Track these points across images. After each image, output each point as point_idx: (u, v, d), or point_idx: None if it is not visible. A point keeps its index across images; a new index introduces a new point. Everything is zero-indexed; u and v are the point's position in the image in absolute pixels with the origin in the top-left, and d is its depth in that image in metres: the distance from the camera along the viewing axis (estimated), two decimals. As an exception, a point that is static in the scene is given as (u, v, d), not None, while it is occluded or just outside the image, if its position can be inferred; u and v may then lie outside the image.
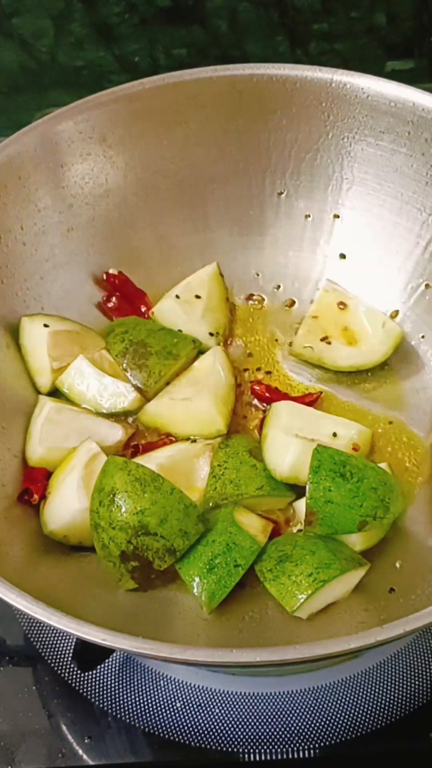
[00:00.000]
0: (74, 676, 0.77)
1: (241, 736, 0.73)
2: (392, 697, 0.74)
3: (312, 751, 0.72)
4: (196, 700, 0.75)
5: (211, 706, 0.74)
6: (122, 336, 0.85)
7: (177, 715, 0.74)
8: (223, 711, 0.74)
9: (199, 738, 0.73)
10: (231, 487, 0.74)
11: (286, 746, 0.72)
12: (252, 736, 0.73)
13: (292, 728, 0.73)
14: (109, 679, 0.76)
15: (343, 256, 0.93)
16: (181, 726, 0.73)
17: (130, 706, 0.75)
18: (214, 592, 0.68)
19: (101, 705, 0.75)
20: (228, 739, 0.73)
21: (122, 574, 0.69)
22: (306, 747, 0.72)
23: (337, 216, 0.92)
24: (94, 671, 0.76)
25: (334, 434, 0.77)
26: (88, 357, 0.83)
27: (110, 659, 0.77)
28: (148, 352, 0.84)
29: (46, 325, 0.82)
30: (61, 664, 0.78)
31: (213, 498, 0.74)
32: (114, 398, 0.82)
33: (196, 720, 0.74)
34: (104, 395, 0.82)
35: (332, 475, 0.69)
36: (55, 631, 0.79)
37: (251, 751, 0.72)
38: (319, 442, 0.74)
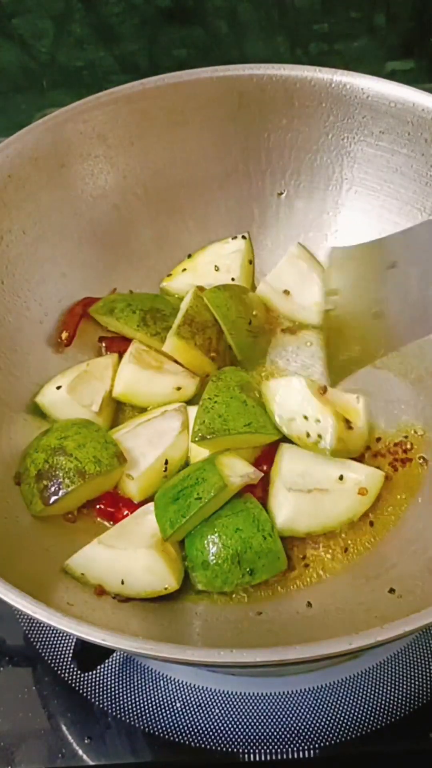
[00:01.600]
0: (74, 676, 0.77)
1: (241, 736, 0.73)
2: (392, 697, 0.74)
3: (312, 751, 0.72)
4: (196, 700, 0.75)
5: (211, 706, 0.74)
6: (131, 309, 0.86)
7: (177, 715, 0.74)
8: (223, 711, 0.74)
9: (199, 738, 0.73)
10: (219, 422, 0.75)
11: (286, 746, 0.72)
12: (252, 736, 0.73)
13: (292, 728, 0.73)
14: (109, 679, 0.76)
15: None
16: (181, 726, 0.73)
17: (130, 706, 0.75)
18: (173, 521, 0.70)
19: (101, 705, 0.75)
20: (228, 739, 0.73)
21: (33, 494, 0.73)
22: (306, 747, 0.72)
23: (336, 216, 0.92)
24: (94, 671, 0.76)
25: (341, 477, 0.76)
26: (135, 355, 0.84)
27: (110, 659, 0.77)
28: (163, 315, 0.86)
29: (58, 387, 0.82)
30: (61, 664, 0.78)
31: (201, 431, 0.75)
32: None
33: (196, 720, 0.74)
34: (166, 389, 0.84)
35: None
36: (55, 631, 0.79)
37: (251, 751, 0.72)
38: (321, 488, 0.74)
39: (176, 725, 0.74)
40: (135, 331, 0.85)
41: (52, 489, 0.72)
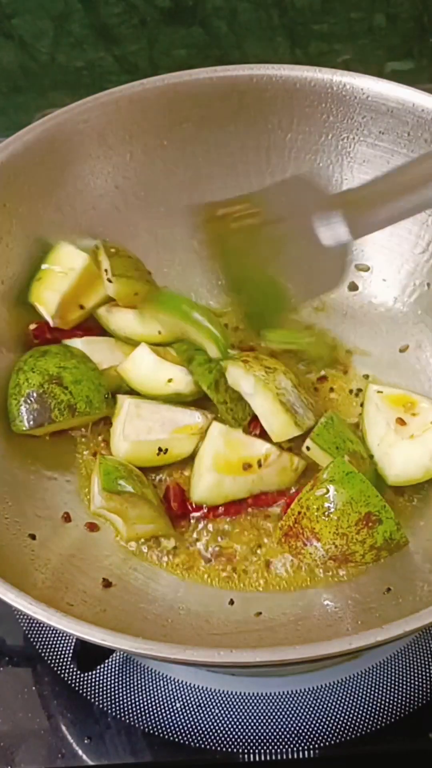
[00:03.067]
0: (74, 676, 0.77)
1: (241, 736, 0.73)
2: (392, 697, 0.74)
3: (312, 751, 0.72)
4: (196, 700, 0.75)
5: (211, 706, 0.75)
6: (209, 366, 0.82)
7: (177, 715, 0.74)
8: (223, 711, 0.74)
9: (199, 738, 0.73)
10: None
11: (286, 746, 0.72)
12: (252, 736, 0.73)
13: (292, 728, 0.73)
14: (109, 679, 0.76)
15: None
16: (181, 726, 0.74)
17: (130, 706, 0.75)
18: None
19: (101, 705, 0.75)
20: (228, 739, 0.73)
21: (20, 413, 0.76)
22: (306, 747, 0.72)
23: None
24: (94, 671, 0.76)
25: None
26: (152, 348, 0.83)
27: (110, 659, 0.77)
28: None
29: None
30: (61, 664, 0.78)
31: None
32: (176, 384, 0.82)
33: (196, 720, 0.74)
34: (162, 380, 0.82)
35: None
36: (55, 631, 0.79)
37: (251, 751, 0.72)
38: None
39: (176, 725, 0.74)
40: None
41: (41, 415, 0.76)
